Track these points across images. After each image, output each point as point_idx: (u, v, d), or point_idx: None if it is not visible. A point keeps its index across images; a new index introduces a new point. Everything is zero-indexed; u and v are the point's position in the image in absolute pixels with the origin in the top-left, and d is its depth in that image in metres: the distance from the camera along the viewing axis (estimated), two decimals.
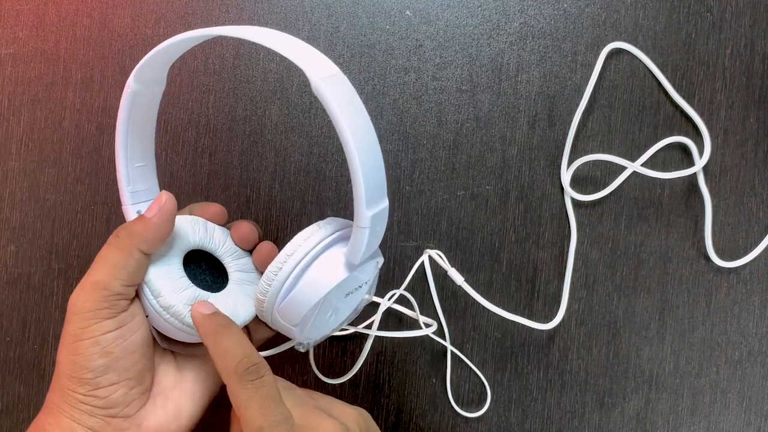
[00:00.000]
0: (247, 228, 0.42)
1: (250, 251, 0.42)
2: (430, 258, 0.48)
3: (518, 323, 0.50)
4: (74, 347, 0.34)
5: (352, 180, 0.31)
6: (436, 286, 0.50)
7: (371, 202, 0.33)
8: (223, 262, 0.41)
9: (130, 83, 0.36)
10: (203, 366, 0.40)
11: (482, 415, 0.51)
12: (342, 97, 0.31)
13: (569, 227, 0.51)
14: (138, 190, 0.39)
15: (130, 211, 0.39)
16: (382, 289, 0.50)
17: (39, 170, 0.51)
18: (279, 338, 0.42)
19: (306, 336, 0.38)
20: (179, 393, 0.38)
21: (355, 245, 0.34)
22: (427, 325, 0.47)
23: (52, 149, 0.51)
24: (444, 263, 0.47)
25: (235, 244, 0.42)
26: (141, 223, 0.36)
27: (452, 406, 0.51)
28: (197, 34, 0.33)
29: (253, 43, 0.51)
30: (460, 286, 0.47)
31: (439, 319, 0.50)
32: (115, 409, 0.35)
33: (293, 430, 0.34)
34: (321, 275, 0.35)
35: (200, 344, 0.40)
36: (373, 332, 0.47)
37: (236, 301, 0.39)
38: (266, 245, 0.42)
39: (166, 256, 0.38)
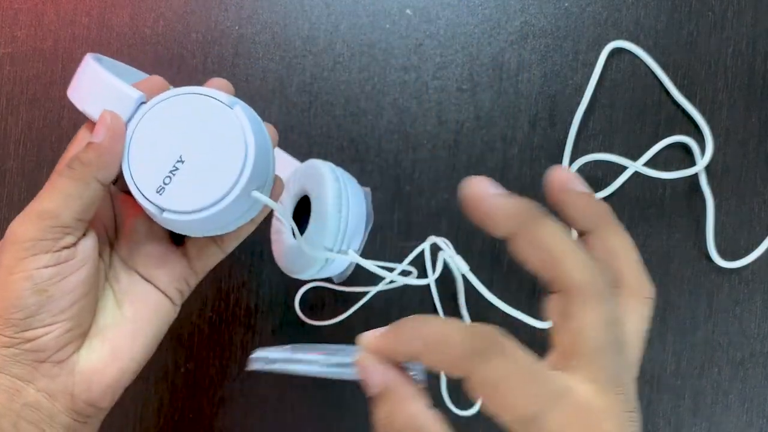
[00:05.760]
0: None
1: None
2: (435, 246, 0.48)
3: (519, 323, 0.50)
4: (5, 281, 0.31)
5: None
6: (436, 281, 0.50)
7: None
8: None
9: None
10: (145, 299, 0.36)
11: (478, 414, 0.51)
12: None
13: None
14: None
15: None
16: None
17: (37, 170, 0.51)
18: None
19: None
20: (117, 331, 0.35)
21: None
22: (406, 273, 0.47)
23: (50, 149, 0.51)
24: (449, 249, 0.47)
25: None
26: (93, 151, 0.32)
27: (447, 405, 0.51)
28: None
29: (253, 42, 0.51)
30: (458, 286, 0.47)
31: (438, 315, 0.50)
32: (44, 353, 0.32)
33: None
34: None
35: None
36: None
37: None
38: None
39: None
